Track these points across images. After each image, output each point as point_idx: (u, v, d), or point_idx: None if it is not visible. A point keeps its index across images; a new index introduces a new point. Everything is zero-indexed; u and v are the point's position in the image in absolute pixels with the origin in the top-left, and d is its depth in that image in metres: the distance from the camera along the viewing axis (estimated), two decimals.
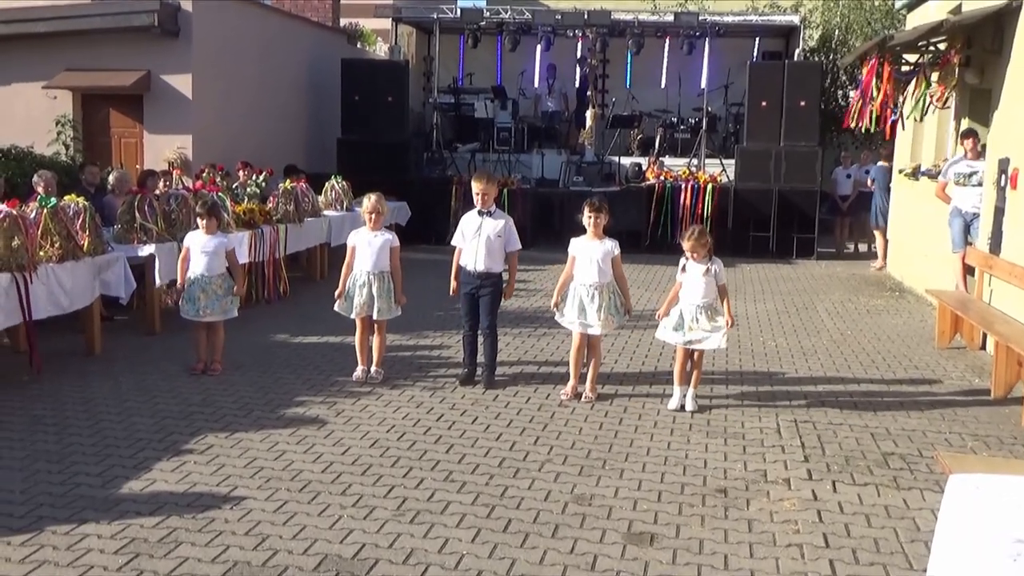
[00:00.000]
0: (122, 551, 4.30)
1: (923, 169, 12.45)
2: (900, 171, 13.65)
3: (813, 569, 4.29)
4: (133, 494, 4.99)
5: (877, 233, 14.68)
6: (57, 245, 7.55)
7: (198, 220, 7.69)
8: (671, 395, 6.85)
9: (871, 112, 10.94)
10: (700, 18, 17.31)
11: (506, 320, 9.67)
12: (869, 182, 15.18)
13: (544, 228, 15.35)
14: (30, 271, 7.08)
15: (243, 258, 10.18)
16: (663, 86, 18.35)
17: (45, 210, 7.54)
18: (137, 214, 8.85)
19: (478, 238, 7.11)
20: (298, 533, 4.54)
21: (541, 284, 11.95)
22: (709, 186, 15.44)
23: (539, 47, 18.07)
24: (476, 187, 7.15)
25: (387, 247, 7.27)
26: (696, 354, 6.77)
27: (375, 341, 7.36)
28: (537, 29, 17.57)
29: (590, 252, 6.88)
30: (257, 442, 5.83)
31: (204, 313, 7.39)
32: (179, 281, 7.57)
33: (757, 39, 18.49)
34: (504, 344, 8.63)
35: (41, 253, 7.41)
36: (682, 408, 6.71)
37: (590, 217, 6.89)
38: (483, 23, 17.70)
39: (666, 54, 18.23)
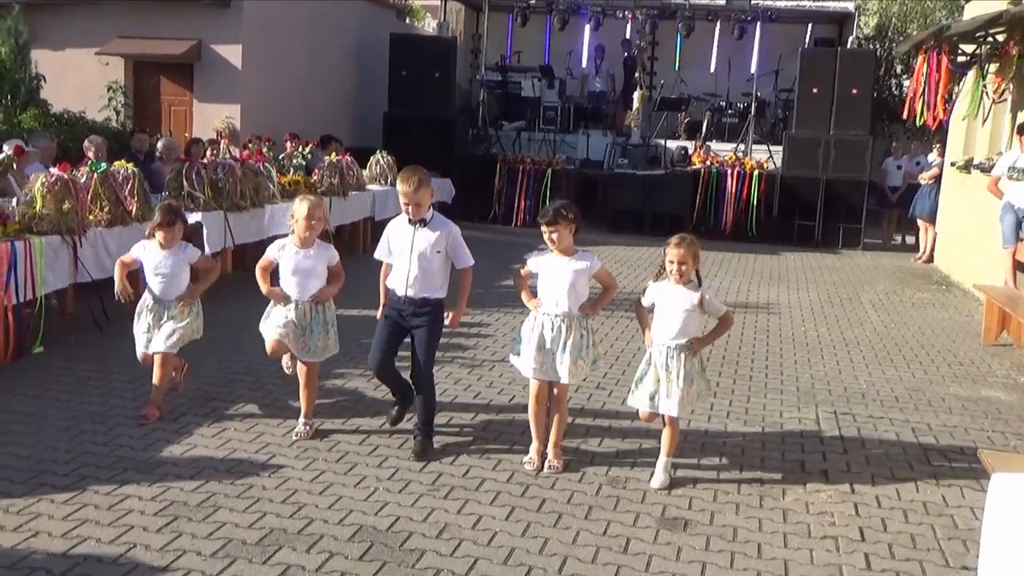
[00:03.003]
0: (162, 513, 4.37)
1: (976, 162, 12.21)
2: (952, 164, 13.40)
3: (848, 562, 4.26)
4: (173, 458, 5.08)
5: (929, 225, 14.31)
6: (106, 210, 7.67)
7: (156, 231, 5.75)
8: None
9: (921, 104, 10.77)
10: (752, 2, 17.12)
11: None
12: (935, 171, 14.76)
13: (586, 210, 15.18)
14: (80, 234, 7.20)
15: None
16: (712, 70, 18.16)
17: (95, 175, 7.66)
18: (185, 182, 8.96)
19: (409, 255, 5.23)
20: (334, 503, 4.59)
21: None
22: (755, 172, 15.31)
23: (588, 27, 17.98)
24: (401, 190, 5.16)
25: (322, 266, 5.59)
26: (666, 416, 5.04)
27: (303, 388, 5.57)
28: (587, 9, 17.47)
29: (556, 271, 5.14)
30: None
31: (150, 347, 5.75)
32: (118, 286, 5.88)
33: (809, 25, 18.24)
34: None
35: (91, 217, 7.53)
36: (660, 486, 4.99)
37: (545, 232, 5.13)
38: (532, 2, 17.63)
39: (716, 38, 18.04)
